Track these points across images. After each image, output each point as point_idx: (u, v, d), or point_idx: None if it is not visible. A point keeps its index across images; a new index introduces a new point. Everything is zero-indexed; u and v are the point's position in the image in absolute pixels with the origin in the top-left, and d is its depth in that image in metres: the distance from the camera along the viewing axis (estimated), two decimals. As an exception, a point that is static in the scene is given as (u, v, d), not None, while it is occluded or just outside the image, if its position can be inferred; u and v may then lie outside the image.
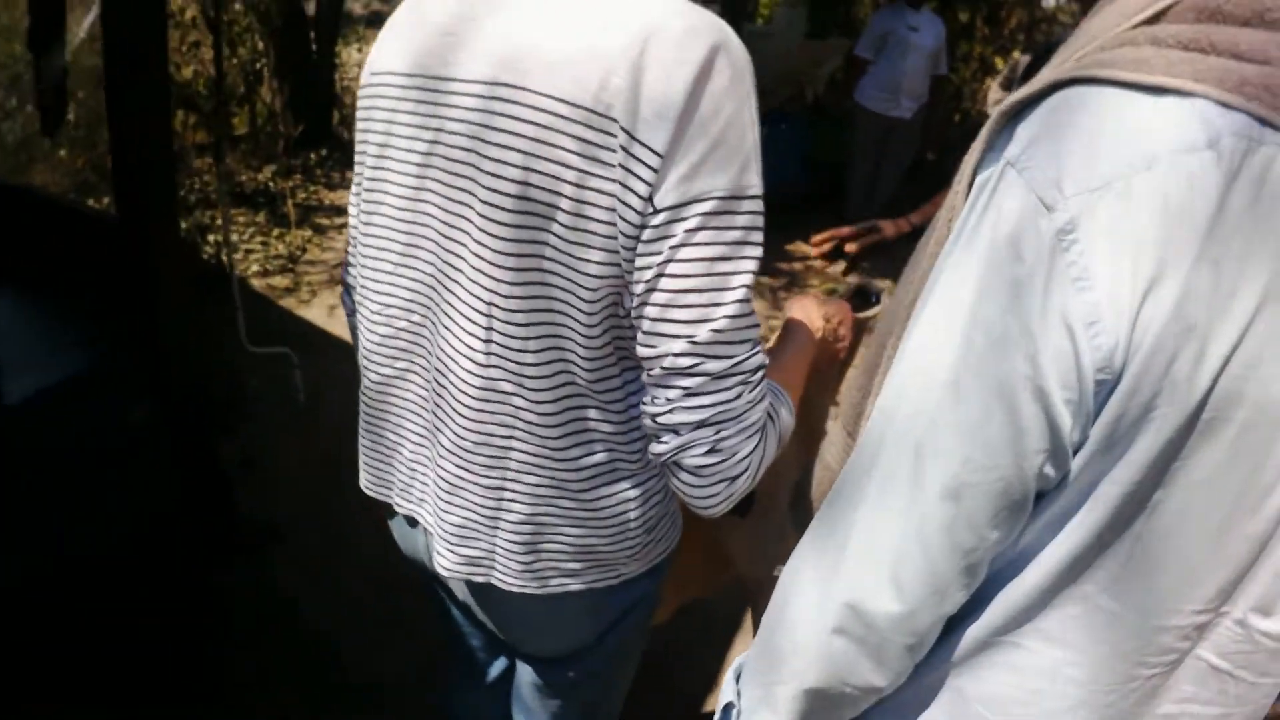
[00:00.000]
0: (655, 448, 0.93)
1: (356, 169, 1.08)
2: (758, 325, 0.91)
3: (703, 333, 0.87)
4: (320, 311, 4.03)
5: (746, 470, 0.93)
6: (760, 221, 0.88)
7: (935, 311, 0.69)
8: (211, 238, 4.31)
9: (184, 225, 4.04)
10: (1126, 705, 0.72)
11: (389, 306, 1.05)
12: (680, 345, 0.87)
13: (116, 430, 2.04)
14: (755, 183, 0.87)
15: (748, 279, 0.88)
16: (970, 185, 0.71)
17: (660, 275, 0.86)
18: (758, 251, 0.88)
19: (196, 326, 2.27)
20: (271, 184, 5.34)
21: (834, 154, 6.04)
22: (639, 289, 0.88)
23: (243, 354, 3.32)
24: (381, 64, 1.02)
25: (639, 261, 0.87)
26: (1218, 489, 0.65)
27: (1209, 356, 0.61)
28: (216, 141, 4.94)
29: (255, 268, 4.36)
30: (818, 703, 0.77)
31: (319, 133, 6.09)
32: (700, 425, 0.89)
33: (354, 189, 1.10)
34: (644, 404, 0.93)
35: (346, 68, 7.61)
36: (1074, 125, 0.64)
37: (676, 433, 0.90)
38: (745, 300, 0.88)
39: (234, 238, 4.50)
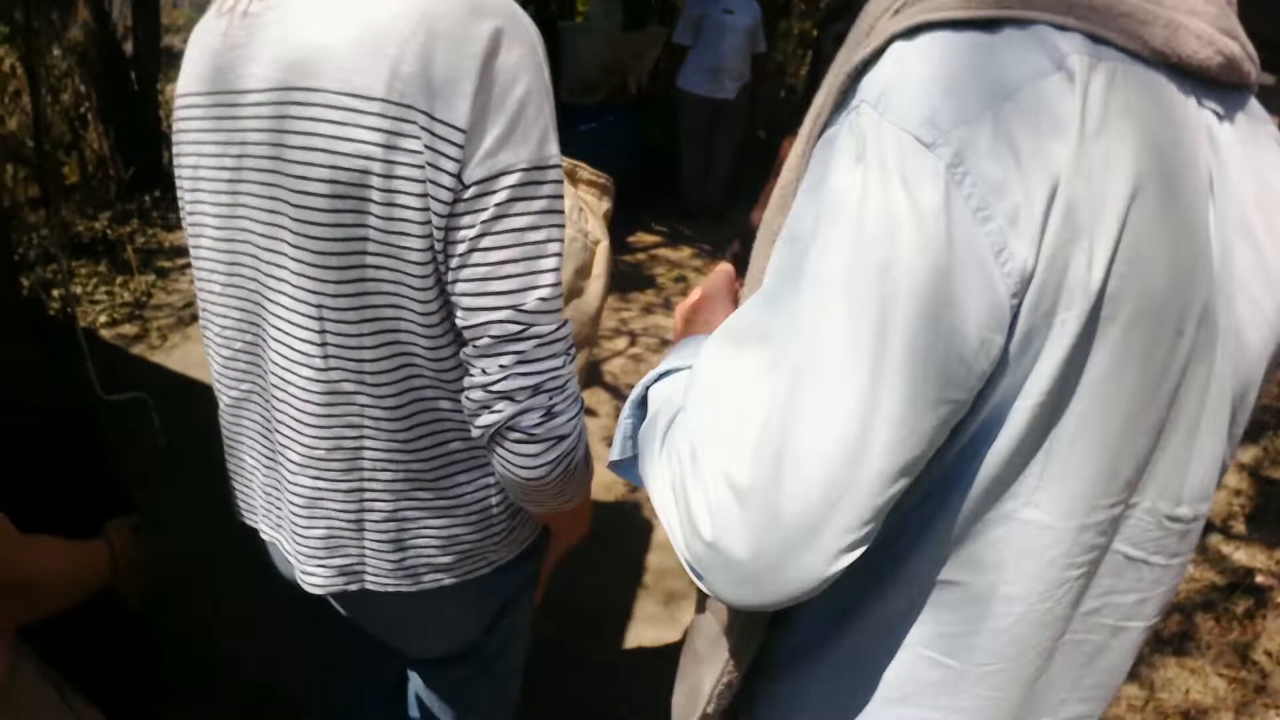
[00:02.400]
0: (487, 418, 0.92)
1: (179, 197, 1.05)
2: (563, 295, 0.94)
3: (530, 300, 0.89)
4: (170, 355, 3.99)
5: (572, 433, 0.94)
6: (561, 190, 0.90)
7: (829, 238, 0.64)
8: (56, 293, 4.22)
9: (25, 283, 3.94)
10: (1060, 610, 0.74)
11: (225, 329, 1.04)
12: (506, 314, 0.88)
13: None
14: (555, 153, 0.90)
15: (559, 247, 0.90)
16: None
17: (474, 249, 0.87)
18: (563, 220, 0.91)
19: (43, 380, 2.22)
20: (109, 231, 5.20)
21: (665, 142, 6.15)
22: (453, 262, 0.88)
23: (98, 404, 3.25)
24: (183, 87, 1.01)
25: (450, 236, 0.88)
26: (1114, 387, 0.66)
27: (1097, 257, 0.62)
28: (47, 192, 4.81)
29: (103, 318, 4.27)
30: None
31: (150, 174, 5.91)
32: (535, 391, 0.90)
33: (183, 216, 1.07)
34: (470, 376, 0.92)
35: (171, 105, 7.28)
36: (928, 68, 0.64)
37: (512, 399, 0.90)
38: (558, 269, 0.91)
39: (77, 289, 4.40)
